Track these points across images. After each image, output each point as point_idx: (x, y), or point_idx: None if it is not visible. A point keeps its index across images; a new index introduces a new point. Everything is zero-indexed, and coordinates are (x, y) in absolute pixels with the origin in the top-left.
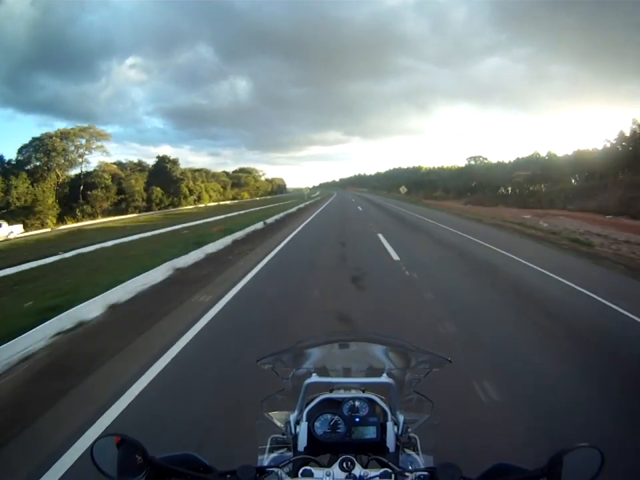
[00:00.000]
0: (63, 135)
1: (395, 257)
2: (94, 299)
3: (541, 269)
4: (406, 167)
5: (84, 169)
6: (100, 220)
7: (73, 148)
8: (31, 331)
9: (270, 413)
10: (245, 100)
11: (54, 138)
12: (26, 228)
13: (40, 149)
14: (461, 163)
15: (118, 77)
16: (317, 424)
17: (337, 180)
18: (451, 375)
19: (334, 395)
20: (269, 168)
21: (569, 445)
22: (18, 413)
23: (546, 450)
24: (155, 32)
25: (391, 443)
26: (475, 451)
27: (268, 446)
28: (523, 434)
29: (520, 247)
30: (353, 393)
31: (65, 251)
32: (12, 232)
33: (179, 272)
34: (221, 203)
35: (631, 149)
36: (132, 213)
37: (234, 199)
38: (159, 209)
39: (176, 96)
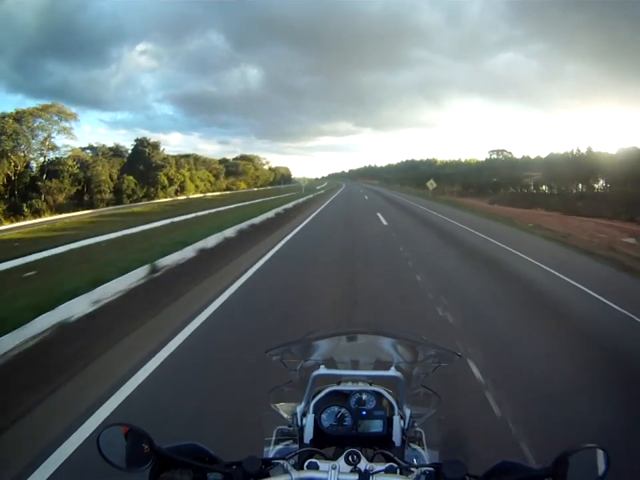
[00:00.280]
0: (19, 115)
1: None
2: None
3: None
4: (419, 160)
5: (54, 155)
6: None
7: (26, 130)
8: None
9: (277, 405)
10: (255, 88)
11: (6, 119)
12: None
13: None
14: (478, 156)
15: (128, 63)
16: (323, 416)
17: (347, 171)
18: None
19: (341, 387)
20: (279, 157)
21: (574, 446)
22: None
23: None
24: (166, 18)
25: (397, 437)
26: None
27: (274, 437)
28: None
29: None
30: (360, 386)
31: None
32: None
33: None
34: (208, 194)
35: None
36: (100, 206)
37: (227, 189)
38: (130, 202)
39: (186, 83)
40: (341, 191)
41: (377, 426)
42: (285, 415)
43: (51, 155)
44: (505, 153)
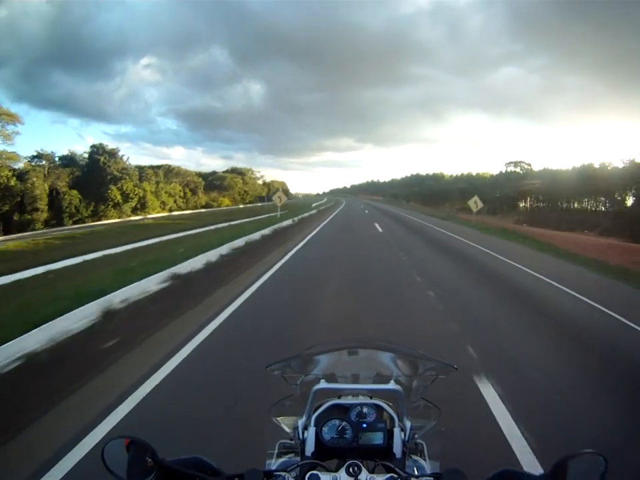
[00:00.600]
0: None
1: None
2: None
3: None
4: (425, 174)
5: None
6: None
7: None
8: None
9: (278, 418)
10: (258, 104)
11: None
12: None
13: None
14: (490, 170)
15: (132, 77)
16: (324, 429)
17: (348, 186)
18: None
19: (342, 401)
20: (281, 173)
21: (573, 452)
22: None
23: None
24: (170, 33)
25: (397, 448)
26: None
27: (276, 451)
28: None
29: None
30: (361, 399)
31: None
32: None
33: None
34: (174, 213)
35: None
36: (38, 228)
37: (207, 206)
38: (72, 223)
39: (190, 98)
40: (338, 212)
41: (377, 438)
42: (287, 429)
43: None
44: (524, 164)
